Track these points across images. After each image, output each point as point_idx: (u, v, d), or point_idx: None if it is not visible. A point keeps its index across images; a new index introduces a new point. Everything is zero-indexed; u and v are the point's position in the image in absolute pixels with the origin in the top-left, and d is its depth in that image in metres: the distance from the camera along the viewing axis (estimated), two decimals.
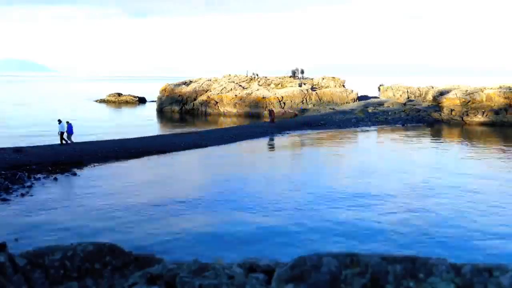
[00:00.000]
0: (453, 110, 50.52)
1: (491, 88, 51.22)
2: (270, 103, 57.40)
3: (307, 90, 59.54)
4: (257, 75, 65.94)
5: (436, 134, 42.31)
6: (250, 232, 14.98)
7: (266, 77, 65.75)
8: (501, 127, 46.13)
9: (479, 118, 48.43)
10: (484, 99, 50.22)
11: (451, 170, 25.18)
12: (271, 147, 34.82)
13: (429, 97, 56.94)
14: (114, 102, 76.71)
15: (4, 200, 17.95)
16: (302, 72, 66.96)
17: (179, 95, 62.98)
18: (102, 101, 78.22)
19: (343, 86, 63.52)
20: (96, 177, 22.36)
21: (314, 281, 2.57)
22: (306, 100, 58.50)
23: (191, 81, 66.11)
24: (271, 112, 46.90)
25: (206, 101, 60.44)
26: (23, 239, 13.69)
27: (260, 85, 61.43)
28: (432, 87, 61.36)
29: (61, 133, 29.65)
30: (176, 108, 62.21)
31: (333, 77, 64.99)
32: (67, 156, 25.65)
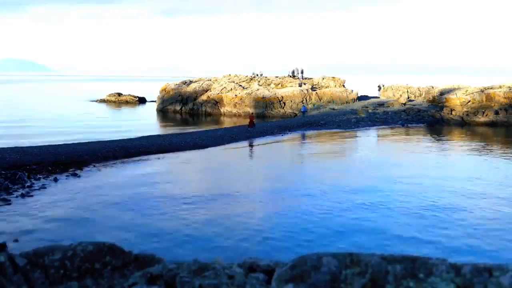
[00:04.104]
0: (454, 110, 50.48)
1: (492, 88, 51.17)
2: (270, 103, 57.42)
3: (307, 90, 59.51)
4: (261, 74, 66.12)
5: (440, 135, 42.10)
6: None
7: (266, 77, 65.80)
8: (501, 127, 46.08)
9: (480, 118, 48.37)
10: (484, 99, 50.18)
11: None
12: (276, 147, 34.64)
13: (430, 97, 56.89)
14: (114, 102, 76.66)
15: (4, 200, 17.94)
16: (302, 72, 66.91)
17: (179, 95, 62.99)
18: (102, 101, 78.16)
19: (343, 86, 63.51)
20: (96, 177, 22.36)
21: (314, 281, 2.57)
22: (306, 100, 58.48)
23: (191, 81, 66.09)
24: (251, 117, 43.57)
25: (206, 101, 60.43)
26: (23, 239, 13.68)
27: (260, 85, 61.40)
28: (432, 87, 61.28)
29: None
30: (176, 108, 62.22)
31: (333, 77, 64.98)
32: (67, 156, 25.66)
